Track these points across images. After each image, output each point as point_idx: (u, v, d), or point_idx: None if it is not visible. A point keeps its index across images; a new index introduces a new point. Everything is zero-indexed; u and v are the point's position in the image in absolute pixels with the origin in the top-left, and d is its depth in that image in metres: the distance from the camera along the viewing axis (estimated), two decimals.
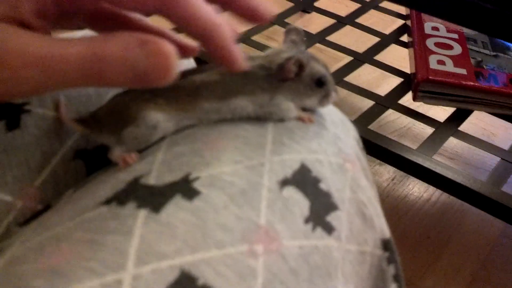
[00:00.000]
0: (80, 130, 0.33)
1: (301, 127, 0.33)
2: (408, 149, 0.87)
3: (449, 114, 0.97)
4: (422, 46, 1.03)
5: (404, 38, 1.18)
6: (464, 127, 0.99)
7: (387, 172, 1.24)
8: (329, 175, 0.32)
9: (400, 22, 1.26)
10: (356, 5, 1.31)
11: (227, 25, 0.29)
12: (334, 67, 1.12)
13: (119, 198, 0.27)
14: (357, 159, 0.35)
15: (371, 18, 1.53)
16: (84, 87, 0.33)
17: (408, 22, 1.18)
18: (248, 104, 0.32)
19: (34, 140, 0.32)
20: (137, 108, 0.31)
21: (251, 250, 0.26)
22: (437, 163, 0.84)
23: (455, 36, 1.06)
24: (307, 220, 0.29)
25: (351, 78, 1.08)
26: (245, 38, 1.12)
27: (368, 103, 1.01)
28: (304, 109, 0.35)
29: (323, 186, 0.31)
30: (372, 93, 1.01)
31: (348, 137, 0.36)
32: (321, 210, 0.30)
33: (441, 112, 1.10)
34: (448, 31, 1.08)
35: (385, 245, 0.34)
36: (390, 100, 0.99)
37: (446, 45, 1.03)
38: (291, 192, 0.29)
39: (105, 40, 0.25)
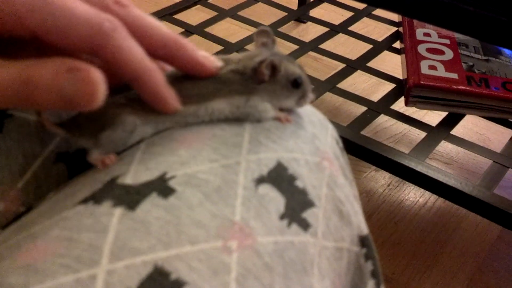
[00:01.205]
0: (61, 134, 0.33)
1: (279, 127, 0.34)
2: (400, 153, 0.87)
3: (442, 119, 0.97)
4: (413, 52, 1.04)
5: (397, 44, 1.19)
6: (458, 131, 1.00)
7: (383, 178, 1.25)
8: (306, 173, 0.32)
9: (393, 29, 1.27)
10: (350, 13, 1.32)
11: (158, 69, 0.30)
12: (328, 74, 1.12)
13: (96, 197, 0.28)
14: (335, 158, 0.36)
15: (364, 26, 1.55)
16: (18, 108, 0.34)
17: (401, 29, 1.19)
18: (225, 107, 0.33)
19: (16, 144, 0.33)
20: (114, 112, 0.31)
21: (225, 246, 0.26)
22: (428, 166, 0.85)
23: (447, 41, 1.06)
24: (282, 217, 0.29)
25: (345, 85, 1.08)
26: (239, 48, 1.13)
27: (362, 110, 1.01)
28: (282, 110, 0.35)
29: (299, 183, 0.31)
30: (365, 99, 1.02)
31: (326, 136, 0.36)
32: (297, 207, 0.30)
33: (436, 117, 1.11)
34: (440, 36, 1.09)
35: (363, 241, 0.34)
36: (383, 106, 0.99)
37: (438, 50, 1.04)
38: (267, 190, 0.30)
39: (36, 65, 0.26)
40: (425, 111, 1.33)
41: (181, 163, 0.30)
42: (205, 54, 0.32)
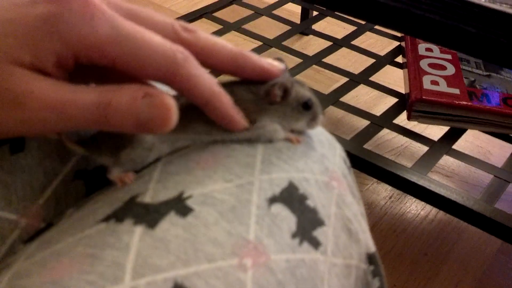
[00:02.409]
0: (81, 152, 0.35)
1: (289, 147, 0.35)
2: (402, 167, 0.89)
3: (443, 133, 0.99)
4: (416, 67, 1.05)
5: (399, 59, 1.21)
6: (460, 145, 1.01)
7: (385, 190, 1.26)
8: (316, 192, 0.33)
9: (395, 43, 1.29)
10: (353, 27, 1.34)
11: (225, 93, 0.32)
12: (331, 87, 1.14)
13: (117, 216, 0.29)
14: (343, 177, 0.37)
15: (367, 40, 1.56)
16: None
17: (403, 44, 1.20)
18: None
19: (37, 162, 0.34)
20: None
21: (241, 263, 0.28)
22: (431, 180, 0.86)
23: (449, 56, 1.08)
24: (294, 235, 0.31)
25: (348, 98, 1.10)
26: None
27: (364, 123, 1.03)
28: (293, 131, 0.37)
29: (309, 202, 0.33)
30: (368, 113, 1.03)
31: (334, 156, 0.37)
32: (307, 225, 0.32)
33: (438, 131, 1.12)
34: (442, 52, 1.10)
35: (370, 259, 0.35)
36: (385, 120, 1.01)
37: (440, 65, 1.06)
38: (279, 209, 0.31)
39: (114, 90, 0.29)
40: (427, 125, 1.34)
41: (197, 183, 0.31)
42: (269, 60, 0.35)
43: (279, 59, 0.37)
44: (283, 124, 0.35)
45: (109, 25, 0.29)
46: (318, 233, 0.32)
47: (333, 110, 1.15)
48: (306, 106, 0.35)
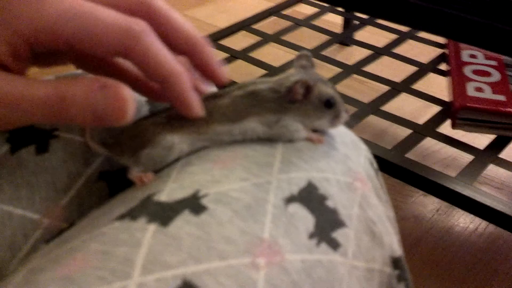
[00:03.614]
0: (104, 153, 0.35)
1: (311, 147, 0.34)
2: (446, 176, 0.85)
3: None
4: (459, 74, 1.02)
5: (443, 66, 1.17)
6: (508, 154, 0.97)
7: (432, 203, 1.22)
8: (337, 192, 0.32)
9: (439, 51, 1.26)
10: (395, 36, 1.31)
11: (186, 74, 0.31)
12: (372, 97, 1.12)
13: (132, 214, 0.29)
14: (368, 179, 0.36)
15: (411, 48, 1.53)
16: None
17: (447, 51, 1.17)
18: (257, 126, 0.34)
19: (61, 163, 0.35)
20: (154, 131, 0.33)
21: (254, 262, 0.27)
22: (476, 190, 0.83)
23: (494, 63, 1.04)
24: (311, 236, 0.30)
25: (391, 107, 1.08)
26: (280, 71, 1.15)
27: (408, 132, 1.00)
28: (316, 131, 0.36)
29: (329, 203, 0.32)
30: (410, 121, 1.01)
31: (358, 157, 0.36)
32: (326, 226, 0.31)
33: (484, 140, 1.08)
34: (486, 58, 1.07)
35: (395, 263, 0.34)
36: (428, 129, 0.98)
37: (484, 72, 1.02)
38: (296, 209, 0.30)
39: (71, 82, 0.28)
40: (474, 134, 1.30)
41: (214, 182, 0.31)
42: (220, 62, 0.34)
43: (305, 56, 0.36)
44: (305, 122, 0.35)
45: (57, 5, 0.28)
46: (338, 234, 0.31)
47: (376, 120, 1.13)
48: (328, 104, 0.35)
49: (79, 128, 0.36)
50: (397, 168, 0.87)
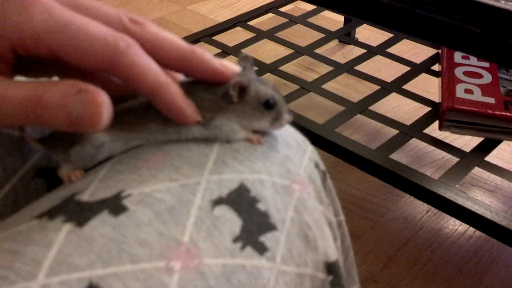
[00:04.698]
0: (40, 149, 0.35)
1: (249, 148, 0.34)
2: (428, 178, 0.84)
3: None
4: (450, 75, 1.01)
5: (436, 67, 1.16)
6: (495, 157, 0.96)
7: (422, 204, 1.20)
8: (270, 195, 0.32)
9: (435, 51, 1.24)
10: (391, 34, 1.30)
11: (174, 83, 0.30)
12: (363, 96, 1.11)
13: (51, 213, 0.29)
14: (310, 181, 0.35)
15: (406, 48, 1.51)
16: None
17: (441, 51, 1.16)
18: (192, 125, 0.33)
19: None
20: None
21: (168, 266, 0.26)
22: (458, 193, 0.81)
23: (486, 65, 1.03)
24: (236, 239, 0.29)
25: (385, 107, 1.06)
26: (273, 69, 1.14)
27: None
28: (258, 132, 0.35)
29: (260, 206, 0.31)
30: (397, 122, 1.00)
31: (301, 159, 0.35)
32: (254, 229, 0.30)
33: (473, 143, 1.07)
34: (479, 59, 1.05)
35: (329, 268, 0.33)
36: (415, 130, 0.97)
37: (476, 73, 1.01)
38: (223, 211, 0.30)
39: (47, 85, 0.28)
40: (467, 136, 1.28)
41: (140, 182, 0.30)
42: (222, 61, 0.33)
43: (246, 57, 0.36)
44: (243, 123, 0.34)
45: (45, 14, 0.28)
46: (267, 238, 0.30)
47: (362, 119, 1.12)
48: (267, 105, 0.34)
49: None
50: (380, 169, 0.86)
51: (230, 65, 0.33)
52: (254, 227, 0.30)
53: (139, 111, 0.33)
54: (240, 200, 0.30)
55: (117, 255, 0.26)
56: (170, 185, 0.30)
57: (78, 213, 0.28)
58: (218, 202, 0.30)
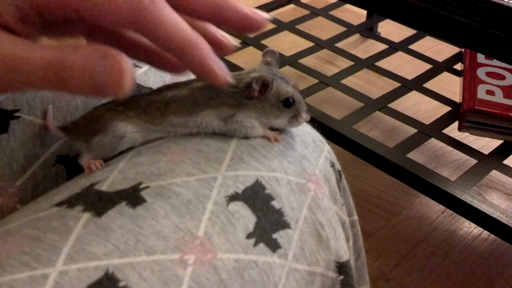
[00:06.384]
0: (62, 136, 0.35)
1: (266, 145, 0.34)
2: (444, 179, 0.84)
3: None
4: (472, 75, 0.99)
5: (459, 66, 1.15)
6: None
7: (437, 204, 1.19)
8: (285, 193, 0.32)
9: (458, 50, 1.23)
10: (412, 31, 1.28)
11: (203, 40, 0.29)
12: (381, 92, 1.10)
13: (70, 201, 0.29)
14: (325, 181, 0.35)
15: (433, 45, 1.49)
16: (57, 93, 0.35)
17: (464, 50, 1.14)
18: (213, 119, 0.33)
19: (19, 144, 0.35)
20: (108, 118, 0.33)
21: (182, 259, 0.27)
22: (474, 196, 0.81)
23: (509, 66, 1.01)
24: (249, 236, 0.29)
25: (406, 105, 1.05)
26: (293, 62, 1.13)
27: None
28: (275, 129, 0.35)
29: (275, 203, 0.31)
30: (416, 120, 0.99)
31: (318, 158, 0.36)
32: (268, 227, 0.30)
33: (492, 145, 1.06)
34: None
35: (340, 268, 0.33)
36: (434, 129, 0.96)
37: (498, 75, 0.99)
38: (238, 207, 0.30)
39: (71, 50, 0.27)
40: (487, 138, 1.27)
41: (158, 175, 0.31)
42: (253, 9, 0.31)
43: (272, 52, 0.36)
44: (262, 120, 0.34)
45: None
46: (280, 235, 0.30)
47: (380, 116, 1.11)
48: (287, 103, 0.34)
49: (41, 110, 0.37)
50: (396, 168, 0.86)
51: (261, 13, 0.31)
52: (268, 224, 0.30)
53: (162, 104, 0.33)
54: (255, 197, 0.31)
55: (133, 246, 0.27)
56: (187, 179, 0.30)
57: (97, 203, 0.29)
58: (233, 198, 0.30)
